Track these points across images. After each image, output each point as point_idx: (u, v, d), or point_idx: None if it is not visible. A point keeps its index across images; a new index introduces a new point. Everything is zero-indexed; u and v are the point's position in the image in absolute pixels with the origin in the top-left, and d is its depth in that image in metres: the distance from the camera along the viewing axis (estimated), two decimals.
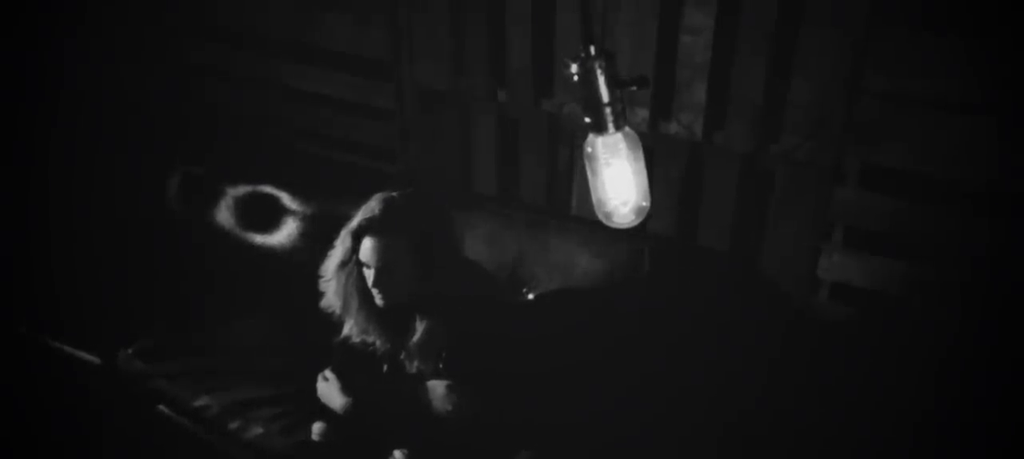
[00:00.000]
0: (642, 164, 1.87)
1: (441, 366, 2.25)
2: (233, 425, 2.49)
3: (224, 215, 3.05)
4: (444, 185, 2.96)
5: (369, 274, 2.21)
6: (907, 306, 2.41)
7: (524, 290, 2.58)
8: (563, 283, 2.54)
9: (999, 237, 2.24)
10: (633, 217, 1.90)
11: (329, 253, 2.31)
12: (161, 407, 2.61)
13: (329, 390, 2.35)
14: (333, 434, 2.33)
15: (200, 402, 2.56)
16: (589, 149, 1.85)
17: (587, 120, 1.82)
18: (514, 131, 2.82)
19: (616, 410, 2.34)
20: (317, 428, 2.35)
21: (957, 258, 2.30)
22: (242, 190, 3.05)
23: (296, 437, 2.40)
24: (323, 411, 2.36)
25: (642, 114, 2.50)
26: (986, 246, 2.26)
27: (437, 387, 2.25)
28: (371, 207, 2.21)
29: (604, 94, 1.78)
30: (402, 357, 2.30)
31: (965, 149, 2.18)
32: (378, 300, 2.23)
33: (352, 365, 2.37)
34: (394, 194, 2.23)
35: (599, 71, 1.77)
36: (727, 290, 2.60)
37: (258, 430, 2.47)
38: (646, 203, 1.89)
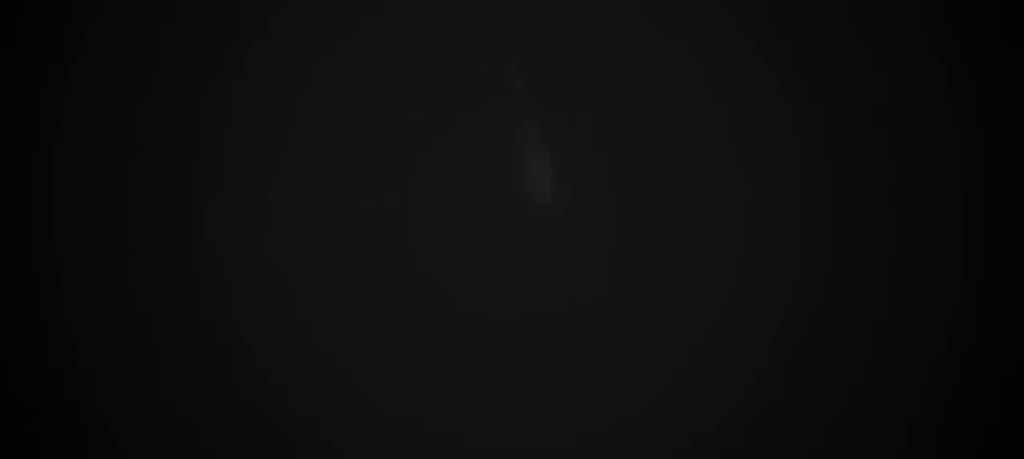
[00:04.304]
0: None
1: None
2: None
3: (215, 219, 3.03)
4: None
5: None
6: (896, 310, 2.40)
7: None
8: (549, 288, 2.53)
9: (979, 240, 2.24)
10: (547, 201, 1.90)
11: None
12: (147, 411, 2.59)
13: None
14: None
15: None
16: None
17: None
18: None
19: (602, 411, 2.33)
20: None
21: (942, 261, 2.30)
22: (237, 193, 3.03)
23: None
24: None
25: None
26: (967, 248, 2.26)
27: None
28: None
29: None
30: None
31: (944, 157, 2.19)
32: None
33: None
34: None
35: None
36: (713, 292, 2.59)
37: None
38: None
